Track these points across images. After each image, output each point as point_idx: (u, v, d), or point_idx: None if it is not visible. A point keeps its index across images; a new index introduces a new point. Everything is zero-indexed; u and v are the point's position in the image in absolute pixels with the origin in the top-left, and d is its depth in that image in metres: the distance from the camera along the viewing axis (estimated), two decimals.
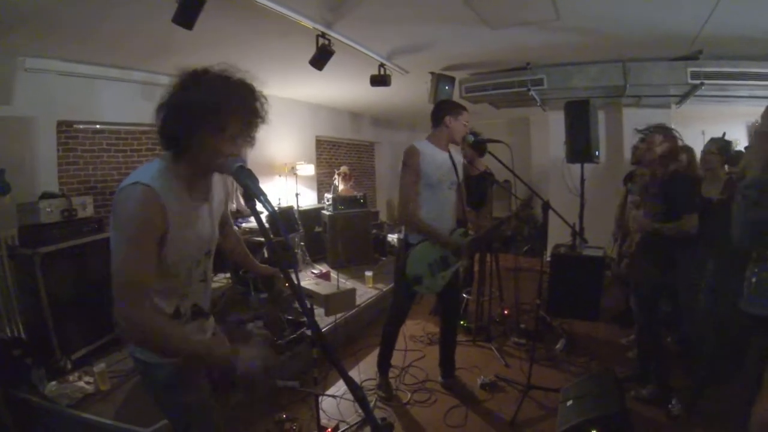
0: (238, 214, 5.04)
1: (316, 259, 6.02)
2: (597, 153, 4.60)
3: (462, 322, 3.85)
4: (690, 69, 4.12)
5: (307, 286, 3.44)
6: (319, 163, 7.37)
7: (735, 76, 4.09)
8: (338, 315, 3.40)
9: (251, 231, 4.80)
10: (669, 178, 2.61)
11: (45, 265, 2.86)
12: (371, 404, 2.80)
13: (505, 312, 4.10)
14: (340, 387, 2.95)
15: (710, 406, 2.60)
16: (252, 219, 4.83)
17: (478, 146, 2.97)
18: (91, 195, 3.76)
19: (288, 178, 6.20)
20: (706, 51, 4.01)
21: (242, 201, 4.90)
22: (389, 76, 4.42)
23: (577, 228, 4.25)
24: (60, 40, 3.23)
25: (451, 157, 2.76)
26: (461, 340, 3.28)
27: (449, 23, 3.38)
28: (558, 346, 3.58)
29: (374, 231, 6.51)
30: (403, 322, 2.97)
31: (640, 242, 2.83)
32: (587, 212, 4.56)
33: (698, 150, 3.12)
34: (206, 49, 3.31)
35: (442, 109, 2.75)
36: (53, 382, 2.61)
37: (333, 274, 4.65)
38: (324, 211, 6.09)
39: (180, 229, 1.23)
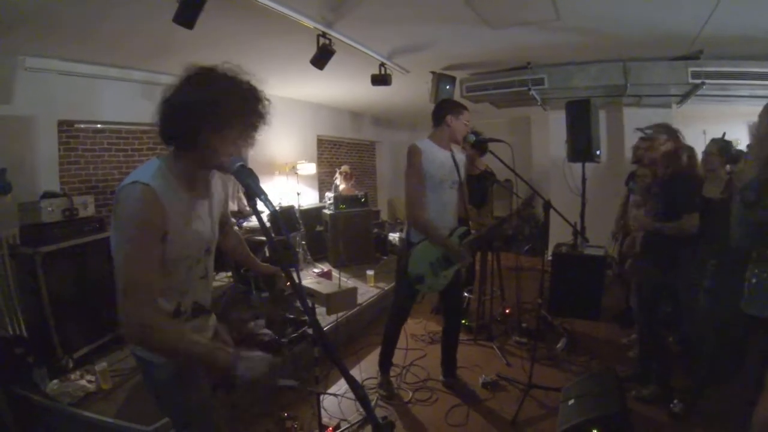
0: (239, 214, 5.04)
1: (318, 258, 6.02)
2: (598, 152, 4.60)
3: (463, 321, 3.86)
4: (691, 68, 4.12)
5: (309, 285, 3.44)
6: (320, 163, 7.36)
7: (736, 76, 4.09)
8: (339, 314, 3.40)
9: (252, 230, 4.81)
10: (670, 178, 2.61)
11: (46, 264, 2.86)
12: (372, 403, 2.80)
13: (507, 311, 4.11)
14: (341, 386, 2.96)
15: (710, 406, 2.60)
16: (253, 218, 4.86)
17: (479, 145, 2.98)
18: (93, 194, 3.75)
19: (289, 178, 6.20)
20: (707, 51, 4.00)
21: (244, 200, 4.91)
22: (390, 75, 4.42)
23: (579, 227, 4.25)
24: (60, 39, 3.24)
25: (452, 156, 2.77)
26: (462, 339, 3.28)
27: (450, 23, 3.38)
28: (559, 345, 3.58)
29: (375, 230, 6.51)
30: (405, 321, 2.97)
31: (643, 242, 2.83)
32: (588, 211, 4.56)
33: (699, 150, 3.11)
34: (207, 48, 3.31)
35: (443, 109, 2.75)
36: (55, 381, 2.61)
37: (334, 273, 4.65)
38: (325, 211, 6.10)
39: (180, 228, 1.23)
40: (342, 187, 6.37)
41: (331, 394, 2.85)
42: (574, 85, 4.63)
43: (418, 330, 3.99)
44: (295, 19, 2.96)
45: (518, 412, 2.66)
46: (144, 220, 1.14)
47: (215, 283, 3.37)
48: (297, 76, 4.75)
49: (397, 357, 3.12)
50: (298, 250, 5.62)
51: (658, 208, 2.65)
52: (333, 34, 3.35)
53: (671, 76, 4.27)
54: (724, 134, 3.16)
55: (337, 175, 6.51)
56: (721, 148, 2.97)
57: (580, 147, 4.46)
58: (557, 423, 2.46)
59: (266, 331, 3.19)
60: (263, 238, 4.35)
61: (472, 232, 2.86)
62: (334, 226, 5.82)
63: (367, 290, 4.66)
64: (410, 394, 2.98)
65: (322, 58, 3.48)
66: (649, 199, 2.85)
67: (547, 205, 2.72)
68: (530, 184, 2.77)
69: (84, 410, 2.41)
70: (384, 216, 8.45)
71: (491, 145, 3.01)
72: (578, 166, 4.60)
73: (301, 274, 4.53)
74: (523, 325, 3.90)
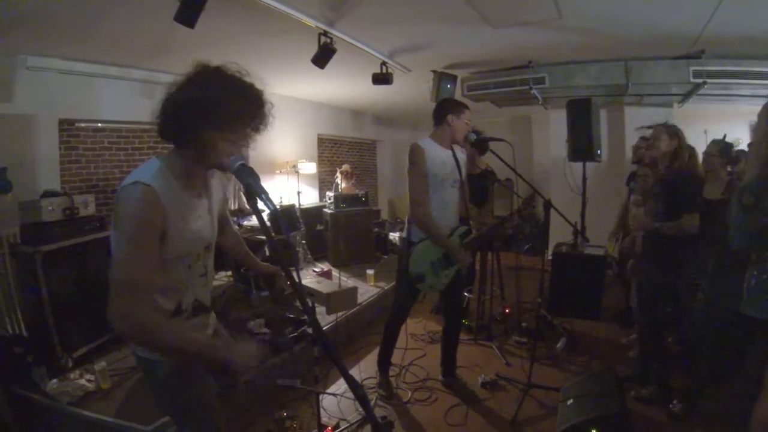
0: (240, 213, 5.04)
1: (318, 258, 6.02)
2: (599, 152, 4.60)
3: (463, 321, 3.86)
4: (692, 68, 4.12)
5: (309, 285, 3.43)
6: (320, 162, 7.36)
7: (737, 75, 4.08)
8: (339, 313, 3.39)
9: (253, 229, 4.80)
10: (670, 177, 2.60)
11: (46, 263, 2.86)
12: (372, 403, 2.80)
13: (507, 311, 4.10)
14: (340, 385, 2.96)
15: (710, 406, 2.60)
16: (253, 217, 4.86)
17: (480, 144, 2.97)
18: (93, 193, 3.75)
19: (290, 176, 6.20)
20: (708, 50, 4.00)
21: (244, 199, 4.90)
22: (391, 74, 4.41)
23: (579, 227, 4.24)
24: (61, 39, 3.23)
25: (454, 155, 2.76)
26: (462, 339, 3.28)
27: (451, 22, 3.37)
28: (559, 345, 3.58)
29: (376, 229, 6.51)
30: (405, 321, 2.97)
31: (643, 242, 2.83)
32: (589, 211, 4.56)
33: (700, 149, 3.11)
34: (207, 47, 3.30)
35: (444, 108, 2.75)
36: (54, 380, 2.61)
37: (334, 273, 4.65)
38: (326, 210, 6.10)
39: (179, 227, 1.24)
40: (343, 186, 6.37)
41: (330, 394, 2.85)
42: (575, 84, 4.62)
43: (418, 329, 3.99)
44: (297, 18, 2.95)
45: (518, 412, 2.66)
46: (144, 220, 1.14)
47: (215, 282, 3.36)
48: (298, 74, 4.74)
49: (397, 357, 3.12)
50: (298, 249, 5.62)
51: (659, 208, 2.64)
52: (334, 32, 3.34)
53: (673, 75, 4.26)
54: (725, 135, 3.16)
55: (338, 174, 6.50)
56: (722, 149, 2.96)
57: (581, 146, 4.46)
58: (557, 423, 2.46)
59: (266, 330, 3.20)
60: (263, 237, 4.35)
61: (473, 231, 2.86)
62: (335, 225, 5.82)
63: (367, 290, 4.66)
64: (409, 393, 2.98)
65: (323, 56, 3.47)
66: (649, 199, 2.84)
67: (548, 205, 2.71)
68: (531, 184, 2.77)
69: (83, 409, 2.41)
70: (384, 215, 8.45)
71: (492, 144, 3.00)
72: (579, 165, 4.60)
73: (301, 273, 4.53)
74: (523, 324, 3.90)
